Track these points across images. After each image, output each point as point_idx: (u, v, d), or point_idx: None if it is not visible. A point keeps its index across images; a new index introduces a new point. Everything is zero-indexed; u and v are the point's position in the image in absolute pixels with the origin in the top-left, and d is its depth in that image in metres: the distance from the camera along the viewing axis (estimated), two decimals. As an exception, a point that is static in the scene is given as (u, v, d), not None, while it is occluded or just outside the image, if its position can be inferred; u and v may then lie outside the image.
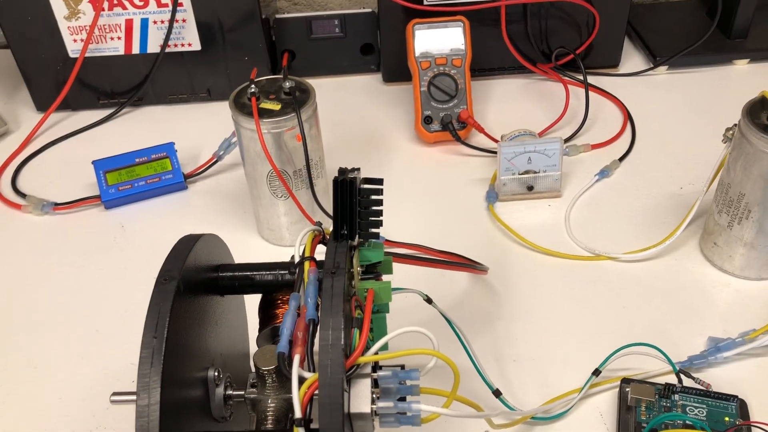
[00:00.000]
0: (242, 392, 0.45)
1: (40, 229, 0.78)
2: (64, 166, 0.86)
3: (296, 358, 0.38)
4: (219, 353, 0.47)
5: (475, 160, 0.83)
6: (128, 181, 0.79)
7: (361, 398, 0.38)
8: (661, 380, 0.55)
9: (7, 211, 0.80)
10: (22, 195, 0.81)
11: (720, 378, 0.57)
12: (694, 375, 0.56)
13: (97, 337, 0.65)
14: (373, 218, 0.43)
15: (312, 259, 0.43)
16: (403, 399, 0.39)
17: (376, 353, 0.39)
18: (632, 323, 0.62)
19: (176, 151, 0.80)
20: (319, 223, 0.47)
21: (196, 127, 0.90)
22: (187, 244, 0.43)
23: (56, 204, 0.79)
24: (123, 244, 0.75)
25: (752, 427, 0.52)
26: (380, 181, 0.43)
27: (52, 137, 0.90)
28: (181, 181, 0.80)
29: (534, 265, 0.69)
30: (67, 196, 0.80)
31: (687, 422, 0.50)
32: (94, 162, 0.79)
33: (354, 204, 0.42)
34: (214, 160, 0.82)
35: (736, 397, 0.53)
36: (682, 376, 0.55)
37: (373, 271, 0.44)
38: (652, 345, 0.56)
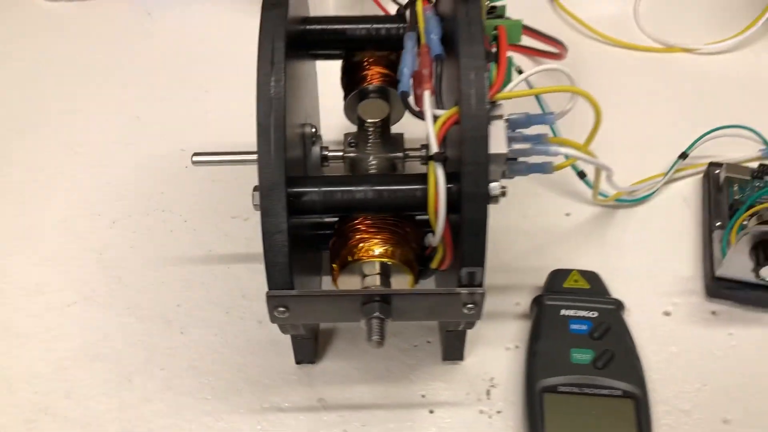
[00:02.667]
0: (340, 151, 0.41)
1: (59, 16, 0.71)
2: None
3: (426, 93, 0.34)
4: (308, 115, 0.43)
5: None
6: (151, -37, 0.71)
7: (497, 139, 0.35)
8: (753, 165, 0.53)
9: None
10: (30, -21, 0.73)
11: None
12: (786, 160, 0.54)
13: (137, 124, 0.61)
14: (497, -52, 0.37)
15: (424, -5, 0.38)
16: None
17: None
18: (713, 113, 0.58)
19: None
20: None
21: None
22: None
23: (74, -11, 0.71)
24: (152, 31, 0.69)
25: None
26: None
27: None
28: (210, -34, 0.72)
29: (604, 58, 0.65)
30: (81, -19, 0.72)
31: (790, 195, 0.48)
32: (111, -60, 0.70)
33: None
34: (246, -57, 0.73)
35: (836, 176, 0.51)
36: (776, 157, 0.53)
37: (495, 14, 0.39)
38: (746, 126, 0.53)
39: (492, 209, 0.52)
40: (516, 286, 0.49)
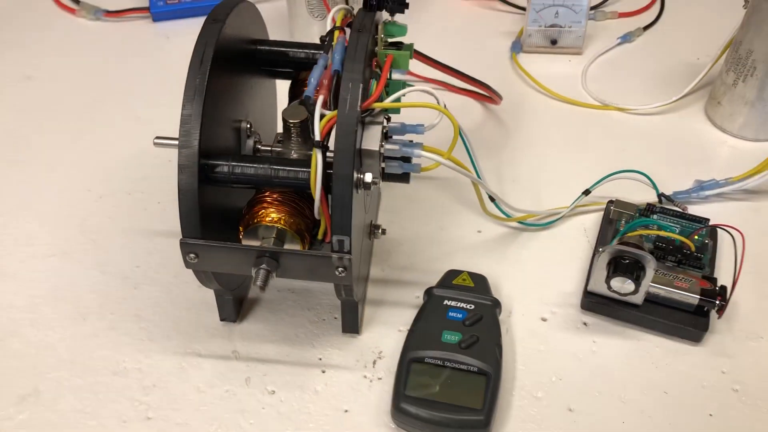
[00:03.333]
0: (269, 147, 0.51)
1: (92, 32, 0.84)
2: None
3: (320, 98, 0.44)
4: (251, 115, 0.53)
5: (505, 15, 0.87)
6: (176, -4, 0.84)
7: (372, 138, 0.44)
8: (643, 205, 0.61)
9: (62, 15, 0.86)
10: (76, 1, 0.87)
11: (697, 213, 0.62)
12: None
13: (136, 123, 0.72)
14: (399, -5, 0.47)
15: (341, 28, 0.48)
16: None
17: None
18: (629, 163, 0.67)
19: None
20: (351, 6, 0.52)
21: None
22: (231, 2, 0.48)
23: (107, 11, 0.84)
24: (168, 52, 0.81)
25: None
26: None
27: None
28: (225, 3, 0.85)
29: (547, 109, 0.74)
30: (117, 7, 0.85)
31: (659, 227, 0.55)
32: (145, -25, 0.84)
33: (385, -24, 0.46)
34: (258, -13, 0.86)
35: (708, 219, 0.58)
36: (663, 200, 0.60)
37: (397, 47, 0.49)
38: (641, 171, 0.61)
39: (413, 222, 0.61)
40: (420, 282, 0.57)
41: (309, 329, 0.54)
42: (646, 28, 0.84)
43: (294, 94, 0.55)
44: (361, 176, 0.43)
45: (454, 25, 0.86)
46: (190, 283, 0.57)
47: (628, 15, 0.86)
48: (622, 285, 0.50)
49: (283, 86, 0.58)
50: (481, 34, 0.84)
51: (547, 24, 0.79)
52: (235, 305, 0.53)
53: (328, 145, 0.43)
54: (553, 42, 0.80)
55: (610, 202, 0.61)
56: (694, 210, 0.61)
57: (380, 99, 0.44)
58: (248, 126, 0.51)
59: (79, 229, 0.61)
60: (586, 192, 0.62)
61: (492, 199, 0.59)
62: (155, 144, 0.52)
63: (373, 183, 0.44)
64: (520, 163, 0.68)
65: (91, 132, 0.71)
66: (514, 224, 0.61)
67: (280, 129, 0.60)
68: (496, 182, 0.65)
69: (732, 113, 0.69)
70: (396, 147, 0.44)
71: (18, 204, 0.63)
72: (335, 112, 0.43)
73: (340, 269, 0.44)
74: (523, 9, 0.86)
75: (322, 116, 0.43)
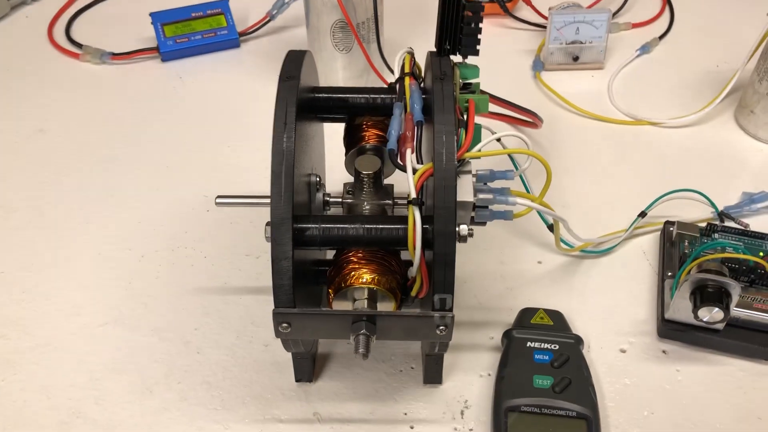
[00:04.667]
0: (339, 197, 0.49)
1: (99, 77, 0.80)
2: (117, 20, 0.88)
3: (408, 151, 0.42)
4: (314, 166, 0.51)
5: (520, 33, 0.86)
6: (185, 34, 0.81)
7: (465, 189, 0.42)
8: (702, 225, 0.60)
9: (64, 60, 0.82)
10: (78, 45, 0.83)
11: (753, 226, 0.62)
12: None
13: (167, 172, 0.69)
14: (472, 36, 0.46)
15: (411, 74, 0.47)
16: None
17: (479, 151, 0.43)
18: (672, 179, 0.67)
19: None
20: (411, 48, 0.50)
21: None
22: (298, 54, 0.46)
23: (114, 54, 0.81)
24: (183, 94, 0.78)
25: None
26: (480, 3, 0.46)
27: (102, -8, 0.91)
28: (235, 38, 0.82)
29: (579, 128, 0.73)
30: (122, 49, 0.82)
31: (728, 248, 0.55)
32: (151, 14, 0.81)
33: (458, 19, 0.45)
34: (268, 19, 0.83)
35: (773, 235, 0.58)
36: (723, 218, 0.60)
37: (468, 89, 0.48)
38: (696, 190, 0.61)
39: (472, 256, 0.60)
40: (490, 322, 0.56)
41: (388, 383, 0.52)
42: (661, 37, 0.84)
43: (351, 140, 0.54)
44: (457, 229, 0.42)
45: (469, 45, 0.85)
46: (254, 342, 0.55)
47: (641, 25, 0.86)
48: (711, 314, 0.50)
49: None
50: (499, 53, 0.83)
51: (568, 41, 0.78)
52: (310, 364, 0.51)
53: (423, 199, 0.41)
54: (575, 58, 0.79)
55: (669, 223, 0.60)
56: (747, 222, 0.61)
57: (469, 149, 0.42)
58: (318, 179, 0.49)
59: (127, 292, 0.58)
60: (642, 214, 0.61)
61: (551, 228, 0.58)
62: (217, 204, 0.50)
63: (469, 235, 0.42)
64: (566, 188, 0.67)
65: (118, 185, 0.68)
66: (575, 252, 0.60)
67: (330, 173, 0.59)
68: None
69: (767, 122, 0.70)
70: (490, 196, 0.43)
71: (56, 271, 0.60)
72: (428, 165, 0.41)
73: (441, 327, 0.42)
74: (538, 26, 0.86)
75: (413, 170, 0.41)
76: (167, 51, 0.80)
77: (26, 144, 0.72)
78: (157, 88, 0.79)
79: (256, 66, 0.82)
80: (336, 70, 0.74)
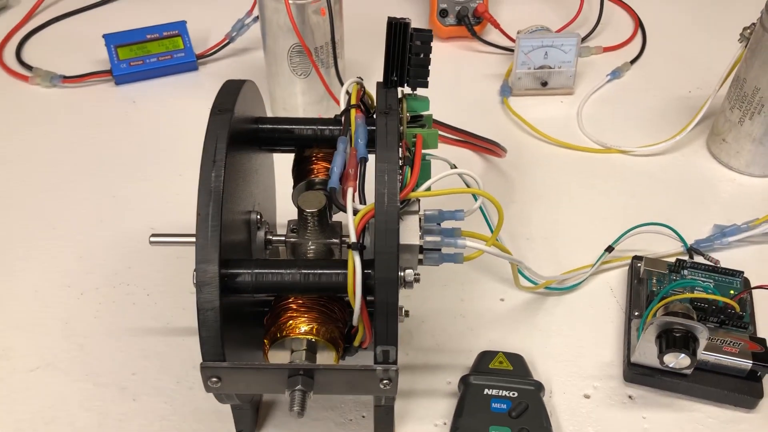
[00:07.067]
0: (282, 236, 0.46)
1: (49, 101, 0.77)
2: (70, 42, 0.84)
3: (350, 190, 0.39)
4: (257, 202, 0.48)
5: (488, 56, 0.84)
6: (140, 57, 0.78)
7: (410, 231, 0.39)
8: (670, 260, 0.58)
9: (13, 83, 0.79)
10: (29, 67, 0.80)
11: (724, 261, 0.59)
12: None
13: (113, 202, 0.65)
14: (421, 67, 0.43)
15: (358, 106, 0.44)
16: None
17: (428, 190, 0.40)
18: (641, 210, 0.64)
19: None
20: (361, 78, 0.47)
21: (207, 7, 0.89)
22: (235, 84, 0.43)
23: (65, 77, 0.77)
24: (136, 118, 0.75)
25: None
26: (429, 33, 0.43)
27: (57, 13, 0.88)
28: (193, 60, 0.79)
29: (547, 155, 0.71)
30: (74, 72, 0.78)
31: (697, 288, 0.52)
32: (105, 36, 0.77)
33: (406, 50, 0.42)
34: (227, 41, 0.80)
35: (742, 272, 0.55)
36: (692, 254, 0.58)
37: (418, 122, 0.45)
38: (665, 224, 0.58)
39: (431, 294, 0.57)
40: (449, 365, 0.53)
41: (336, 433, 0.49)
42: (632, 62, 0.82)
43: (299, 173, 0.50)
44: (402, 274, 0.39)
45: (436, 68, 0.81)
46: (195, 388, 0.51)
47: (612, 49, 0.84)
48: (677, 360, 0.47)
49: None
50: (466, 77, 0.81)
51: (536, 66, 0.76)
52: (251, 414, 0.48)
53: (364, 243, 0.38)
54: (544, 84, 0.77)
55: (636, 258, 0.58)
56: (717, 257, 0.59)
57: (415, 187, 0.40)
58: (258, 217, 0.45)
59: (62, 333, 0.55)
60: (609, 249, 0.59)
61: (514, 266, 0.55)
62: (151, 243, 0.46)
63: (415, 280, 0.39)
64: (531, 219, 0.64)
65: (62, 217, 0.64)
66: (540, 289, 0.57)
67: (279, 207, 0.56)
68: (510, 241, 0.62)
69: (739, 150, 0.68)
70: (437, 239, 0.40)
71: (-13, 310, 0.56)
72: (370, 206, 0.38)
73: (385, 381, 0.39)
74: (505, 49, 0.83)
75: (355, 211, 0.38)
76: (121, 74, 0.77)
77: (-33, 172, 0.68)
78: (109, 112, 0.75)
79: (214, 89, 0.76)
80: (295, 95, 0.71)
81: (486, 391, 0.48)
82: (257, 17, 0.77)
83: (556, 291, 0.58)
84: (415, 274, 0.39)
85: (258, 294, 0.40)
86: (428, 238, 0.40)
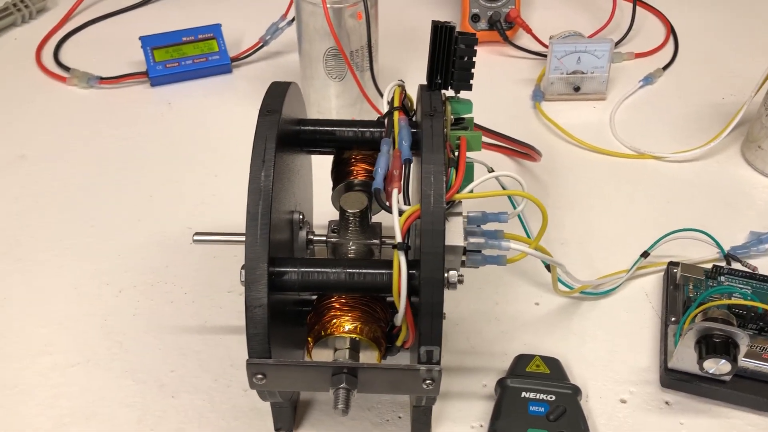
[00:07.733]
0: (323, 236, 0.46)
1: (86, 101, 0.78)
2: (107, 43, 0.86)
3: (395, 191, 0.39)
4: (298, 202, 0.48)
5: (520, 61, 0.84)
6: (175, 59, 0.79)
7: (454, 233, 0.40)
8: (707, 266, 0.57)
9: (50, 84, 0.80)
10: (66, 68, 0.81)
11: (761, 268, 0.59)
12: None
13: (150, 202, 0.66)
14: (465, 70, 0.43)
15: (401, 108, 0.44)
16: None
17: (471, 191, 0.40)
18: (676, 216, 0.64)
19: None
20: (402, 81, 0.48)
21: (241, 11, 0.90)
22: (281, 86, 0.44)
23: (102, 78, 0.79)
24: (171, 119, 0.76)
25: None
26: (474, 36, 0.43)
27: (94, 15, 0.89)
28: (227, 63, 0.80)
29: (580, 161, 0.71)
30: (111, 73, 0.79)
31: (735, 294, 0.52)
32: (141, 38, 0.78)
33: (451, 53, 0.42)
34: (261, 44, 0.81)
35: (782, 279, 0.55)
36: (729, 260, 0.57)
37: (460, 125, 0.45)
38: (701, 230, 0.58)
39: (465, 296, 0.57)
40: (483, 368, 0.53)
41: (373, 433, 0.49)
42: (665, 68, 0.82)
43: (339, 174, 0.51)
44: (446, 275, 0.39)
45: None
46: (233, 386, 0.52)
47: (644, 55, 0.84)
48: (717, 366, 0.47)
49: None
50: (498, 82, 0.81)
51: (569, 71, 0.76)
52: (290, 413, 0.48)
53: (409, 243, 0.39)
54: (576, 89, 0.77)
55: (672, 264, 0.58)
56: (754, 264, 0.58)
57: (460, 188, 0.40)
58: (300, 216, 0.46)
59: (101, 330, 0.55)
60: (645, 254, 0.59)
61: (548, 267, 0.55)
62: (195, 242, 0.47)
63: (459, 281, 0.39)
64: (564, 224, 0.64)
65: (100, 216, 0.65)
66: (575, 294, 0.57)
67: (317, 208, 0.57)
68: (544, 246, 0.61)
69: (775, 158, 0.67)
70: (482, 240, 0.40)
71: (26, 307, 0.57)
72: (416, 207, 0.38)
73: (428, 382, 0.39)
74: (537, 54, 0.83)
75: (400, 212, 0.39)
76: (156, 76, 0.78)
77: (6, 170, 0.70)
78: (145, 113, 0.76)
79: (248, 92, 0.79)
80: (329, 98, 0.71)
81: (523, 394, 0.48)
82: (291, 21, 0.78)
83: (591, 296, 0.58)
84: (459, 275, 0.39)
85: (303, 292, 0.40)
86: (472, 240, 0.40)
